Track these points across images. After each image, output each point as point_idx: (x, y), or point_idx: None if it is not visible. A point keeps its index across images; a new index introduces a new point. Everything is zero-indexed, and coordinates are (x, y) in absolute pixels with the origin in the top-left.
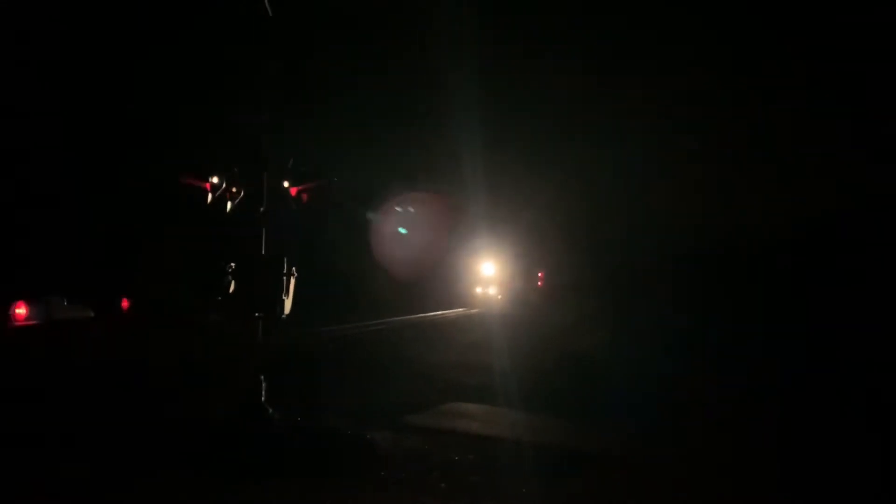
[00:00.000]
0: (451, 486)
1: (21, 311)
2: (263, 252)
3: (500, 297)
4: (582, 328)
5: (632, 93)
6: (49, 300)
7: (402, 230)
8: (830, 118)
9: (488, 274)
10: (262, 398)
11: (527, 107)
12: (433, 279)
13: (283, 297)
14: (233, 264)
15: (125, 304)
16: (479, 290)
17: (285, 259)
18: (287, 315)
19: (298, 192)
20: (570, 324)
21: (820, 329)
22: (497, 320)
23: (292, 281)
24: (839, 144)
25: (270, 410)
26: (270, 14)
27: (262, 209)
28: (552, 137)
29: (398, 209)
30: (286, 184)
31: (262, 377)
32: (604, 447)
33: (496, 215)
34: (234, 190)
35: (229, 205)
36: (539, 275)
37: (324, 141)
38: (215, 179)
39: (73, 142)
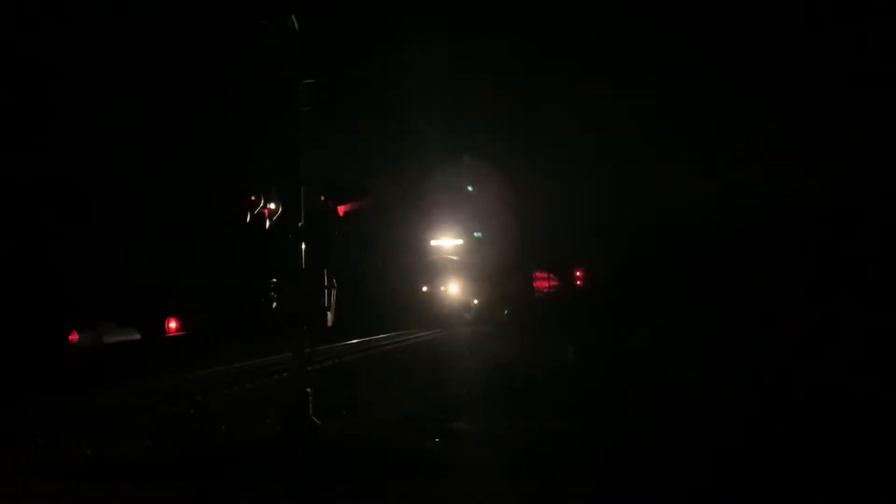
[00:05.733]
0: (510, 488)
1: (76, 336)
2: (304, 266)
3: (474, 304)
4: None
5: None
6: (100, 325)
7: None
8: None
9: (450, 255)
10: (310, 412)
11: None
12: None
13: (326, 310)
14: (275, 280)
15: (175, 325)
16: (425, 290)
17: (325, 271)
18: (331, 327)
19: (334, 206)
20: None
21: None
22: None
23: (333, 293)
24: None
25: (319, 423)
26: (297, 28)
27: (300, 224)
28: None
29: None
30: (322, 198)
31: (309, 391)
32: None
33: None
34: (272, 206)
35: (268, 222)
36: (577, 273)
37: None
38: (254, 197)
39: (114, 171)
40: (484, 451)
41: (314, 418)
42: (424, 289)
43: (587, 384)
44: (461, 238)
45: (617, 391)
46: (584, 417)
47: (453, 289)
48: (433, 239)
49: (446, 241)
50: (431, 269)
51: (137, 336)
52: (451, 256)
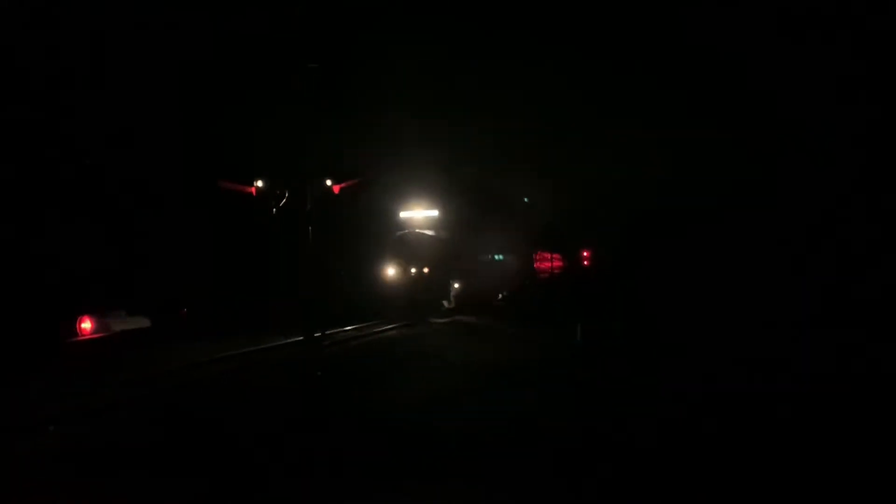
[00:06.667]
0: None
1: (87, 325)
2: (310, 252)
3: (454, 288)
4: None
5: None
6: (109, 313)
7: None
8: None
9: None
10: (322, 400)
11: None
12: None
13: (335, 295)
14: (284, 266)
15: (184, 312)
16: (392, 272)
17: (332, 258)
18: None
19: (340, 190)
20: None
21: None
22: None
23: (342, 279)
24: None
25: (330, 410)
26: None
27: (307, 209)
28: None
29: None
30: (329, 182)
31: (320, 373)
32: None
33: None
34: (278, 193)
35: (275, 209)
36: (584, 253)
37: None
38: (260, 184)
39: (121, 161)
40: None
41: (326, 407)
42: (391, 271)
43: None
44: (437, 209)
45: None
46: None
47: (427, 271)
48: (403, 210)
49: (419, 213)
50: (400, 246)
51: (147, 324)
52: (425, 231)
